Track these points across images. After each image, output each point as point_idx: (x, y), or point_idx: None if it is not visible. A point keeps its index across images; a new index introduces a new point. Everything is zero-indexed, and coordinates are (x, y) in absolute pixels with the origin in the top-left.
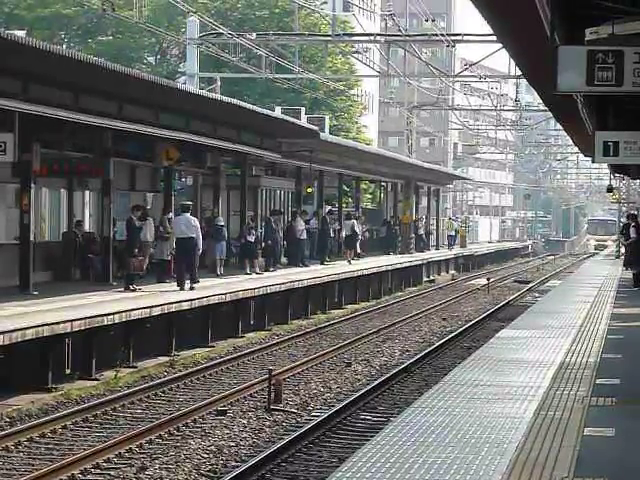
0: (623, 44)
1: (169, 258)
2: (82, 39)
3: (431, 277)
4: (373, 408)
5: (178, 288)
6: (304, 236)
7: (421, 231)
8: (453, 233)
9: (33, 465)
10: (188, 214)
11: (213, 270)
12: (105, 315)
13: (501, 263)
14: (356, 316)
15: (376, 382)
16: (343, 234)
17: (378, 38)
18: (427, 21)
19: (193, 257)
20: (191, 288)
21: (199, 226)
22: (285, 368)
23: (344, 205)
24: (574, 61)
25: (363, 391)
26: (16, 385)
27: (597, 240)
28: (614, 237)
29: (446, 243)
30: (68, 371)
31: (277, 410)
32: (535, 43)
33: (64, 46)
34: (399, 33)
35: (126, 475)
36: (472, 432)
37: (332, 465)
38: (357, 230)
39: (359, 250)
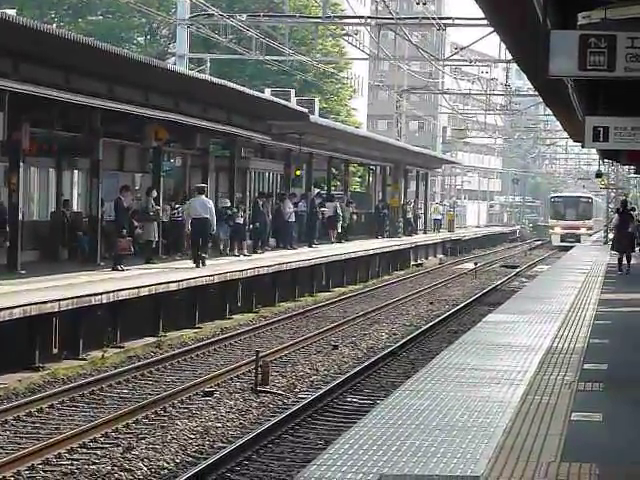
0: (616, 29)
1: (156, 239)
2: (72, 19)
3: (419, 261)
4: (360, 391)
5: (194, 265)
6: (292, 219)
7: (409, 215)
8: (439, 217)
9: (20, 444)
10: (203, 196)
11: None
12: (93, 295)
13: (489, 248)
14: (343, 299)
15: (363, 365)
16: (326, 215)
17: (369, 21)
18: (418, 4)
19: (207, 236)
20: (203, 264)
21: (213, 207)
22: (272, 350)
23: (333, 188)
24: (566, 45)
25: (350, 374)
26: (3, 364)
27: (564, 228)
28: (590, 222)
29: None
30: (55, 350)
31: (264, 392)
32: (527, 27)
33: (54, 25)
34: (390, 16)
35: (112, 455)
36: (459, 416)
37: (319, 447)
38: (339, 212)
39: (339, 230)
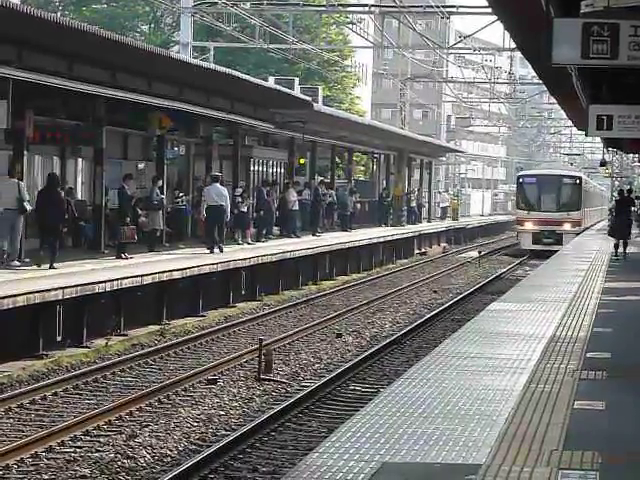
0: (619, 17)
1: (161, 227)
2: (76, 7)
3: (423, 249)
4: (363, 379)
5: (208, 251)
6: (296, 207)
7: (413, 204)
8: (447, 204)
9: (23, 431)
10: (218, 184)
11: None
12: (96, 283)
13: (492, 236)
14: (347, 288)
15: (366, 353)
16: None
17: (372, 9)
18: None
19: (223, 223)
20: (220, 250)
21: (228, 195)
22: (276, 338)
23: (336, 177)
24: (569, 33)
25: (353, 362)
26: (7, 352)
27: (538, 224)
28: (577, 214)
29: (438, 215)
30: (59, 338)
31: (267, 380)
32: (530, 15)
33: (58, 14)
34: (394, 4)
35: (116, 442)
36: (461, 404)
37: (321, 435)
38: (334, 200)
39: (336, 219)
